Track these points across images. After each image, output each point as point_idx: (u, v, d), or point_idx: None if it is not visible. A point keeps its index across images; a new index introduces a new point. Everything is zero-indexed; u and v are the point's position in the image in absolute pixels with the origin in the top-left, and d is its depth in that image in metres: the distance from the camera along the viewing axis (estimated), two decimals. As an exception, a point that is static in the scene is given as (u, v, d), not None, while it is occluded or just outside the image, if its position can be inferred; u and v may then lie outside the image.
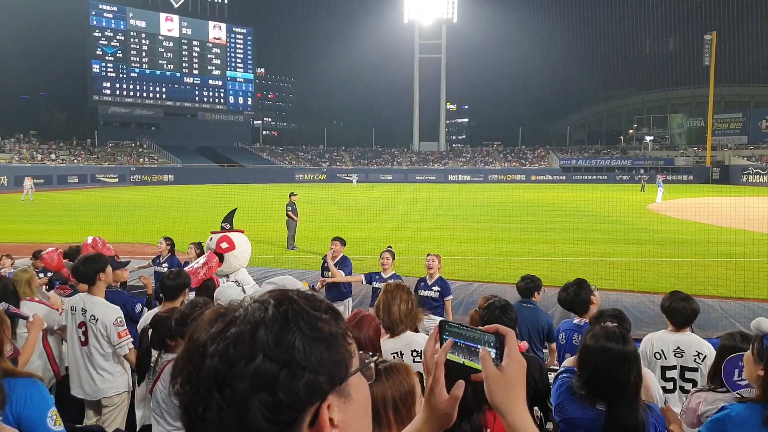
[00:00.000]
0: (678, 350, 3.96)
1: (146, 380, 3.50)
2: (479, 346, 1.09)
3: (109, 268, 4.59)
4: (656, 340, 4.05)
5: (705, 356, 3.93)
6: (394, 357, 3.41)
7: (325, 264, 8.36)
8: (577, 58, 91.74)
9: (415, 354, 3.54)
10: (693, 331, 4.26)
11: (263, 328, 0.77)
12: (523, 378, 1.08)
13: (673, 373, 3.97)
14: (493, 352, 1.08)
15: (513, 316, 3.59)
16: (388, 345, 3.45)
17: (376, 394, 1.88)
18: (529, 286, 5.38)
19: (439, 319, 7.06)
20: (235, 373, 0.74)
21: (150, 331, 3.50)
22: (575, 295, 4.47)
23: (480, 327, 1.12)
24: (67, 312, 4.59)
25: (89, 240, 6.27)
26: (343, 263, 8.28)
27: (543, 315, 5.24)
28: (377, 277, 7.37)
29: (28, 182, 38.53)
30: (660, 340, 4.03)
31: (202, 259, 5.86)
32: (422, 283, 7.10)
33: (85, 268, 4.46)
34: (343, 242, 8.49)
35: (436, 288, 7.03)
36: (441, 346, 1.12)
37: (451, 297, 7.17)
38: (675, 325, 4.07)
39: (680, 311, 4.01)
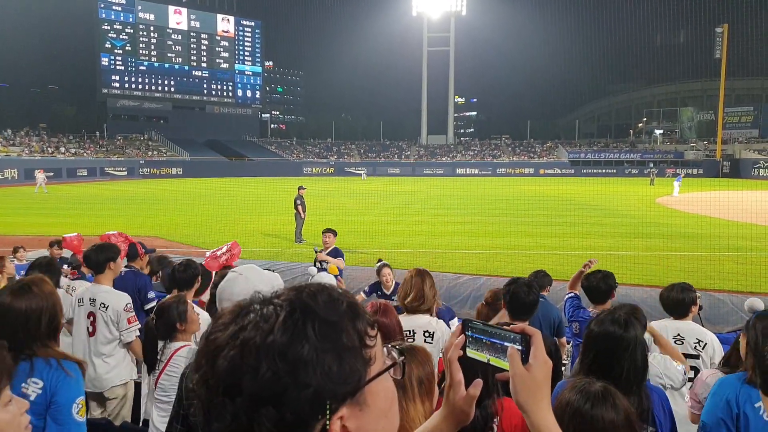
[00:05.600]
0: (678, 337, 3.97)
1: (152, 373, 3.49)
2: (506, 344, 1.08)
3: (120, 259, 4.63)
4: (656, 327, 4.07)
5: (705, 344, 3.93)
6: (407, 334, 3.54)
7: (321, 262, 8.28)
8: (587, 50, 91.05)
9: (426, 335, 3.64)
10: (703, 325, 4.25)
11: (271, 337, 0.75)
12: (549, 378, 1.08)
13: None
14: (519, 352, 1.07)
15: (536, 297, 3.61)
16: (403, 322, 3.51)
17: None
18: (543, 280, 5.43)
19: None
20: (242, 384, 0.74)
21: (155, 320, 3.45)
22: (602, 283, 4.50)
23: (505, 326, 1.11)
24: (74, 305, 4.60)
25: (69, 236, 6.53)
26: (336, 254, 8.28)
27: (554, 309, 5.26)
28: (379, 293, 6.84)
29: (40, 175, 39.00)
30: (660, 328, 4.04)
31: (225, 246, 5.95)
32: None
33: (96, 255, 4.52)
34: (335, 233, 8.51)
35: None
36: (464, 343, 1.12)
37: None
38: (672, 313, 4.10)
39: (669, 299, 4.05)
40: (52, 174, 47.43)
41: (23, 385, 2.35)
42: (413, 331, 3.61)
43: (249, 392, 0.73)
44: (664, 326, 4.05)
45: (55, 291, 2.67)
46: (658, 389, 2.80)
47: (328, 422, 0.76)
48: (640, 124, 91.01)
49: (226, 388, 0.74)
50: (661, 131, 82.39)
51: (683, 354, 3.96)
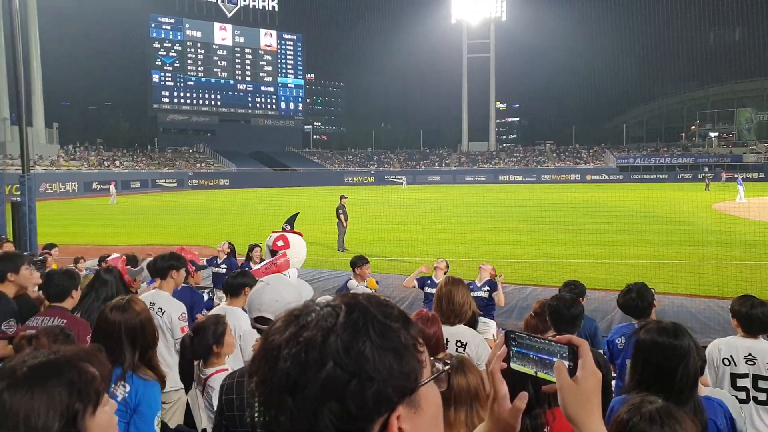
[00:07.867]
0: (749, 357, 3.70)
1: (194, 387, 3.47)
2: (553, 359, 1.06)
3: (183, 269, 4.86)
4: (724, 345, 3.82)
5: None
6: None
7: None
8: (635, 51, 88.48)
9: (459, 344, 3.62)
10: (768, 340, 3.98)
11: (334, 335, 0.78)
12: (599, 389, 1.05)
13: (745, 382, 3.72)
14: (566, 364, 1.04)
15: (579, 310, 3.62)
16: None
17: (460, 384, 2.08)
18: (575, 292, 5.27)
19: (489, 321, 7.04)
20: (306, 378, 0.76)
21: (191, 338, 3.33)
22: (639, 299, 4.31)
23: (551, 338, 1.08)
24: None
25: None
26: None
27: (588, 321, 5.13)
28: (429, 282, 7.58)
29: (112, 187, 42.99)
30: (729, 346, 3.79)
31: (269, 258, 6.09)
32: (471, 286, 7.11)
33: (161, 262, 4.79)
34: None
35: (485, 288, 7.25)
36: (506, 356, 1.09)
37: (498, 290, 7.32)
38: (749, 332, 3.81)
39: (759, 318, 3.72)
40: (107, 186, 50.08)
41: (113, 386, 2.56)
42: (446, 340, 3.57)
43: (313, 388, 0.75)
44: (733, 344, 3.79)
45: (147, 309, 2.96)
46: (719, 400, 2.64)
47: (388, 419, 0.78)
48: (693, 127, 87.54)
49: (289, 386, 0.76)
50: (716, 134, 79.01)
51: (754, 375, 3.71)
